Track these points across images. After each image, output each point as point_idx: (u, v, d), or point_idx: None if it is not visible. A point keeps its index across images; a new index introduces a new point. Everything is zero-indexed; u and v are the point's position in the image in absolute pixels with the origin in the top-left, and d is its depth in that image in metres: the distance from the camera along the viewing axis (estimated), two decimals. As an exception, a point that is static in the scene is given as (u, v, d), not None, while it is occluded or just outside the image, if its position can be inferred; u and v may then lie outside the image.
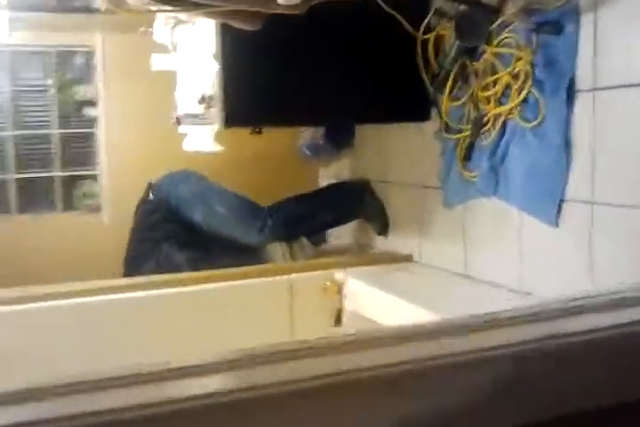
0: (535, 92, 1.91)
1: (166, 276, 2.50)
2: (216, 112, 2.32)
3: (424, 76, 2.33)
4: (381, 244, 2.84)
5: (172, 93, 2.75)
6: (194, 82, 2.48)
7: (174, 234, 2.76)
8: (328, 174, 3.38)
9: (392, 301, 2.18)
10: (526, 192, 1.95)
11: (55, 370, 2.08)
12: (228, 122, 2.29)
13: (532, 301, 1.54)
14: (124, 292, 2.38)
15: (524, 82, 1.92)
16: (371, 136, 2.89)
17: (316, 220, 2.81)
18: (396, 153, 2.74)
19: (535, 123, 1.91)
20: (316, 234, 2.88)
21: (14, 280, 3.12)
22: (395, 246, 2.74)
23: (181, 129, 2.53)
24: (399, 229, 2.74)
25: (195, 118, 2.41)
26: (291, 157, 3.28)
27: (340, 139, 3.07)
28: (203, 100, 2.34)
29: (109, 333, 2.29)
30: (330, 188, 2.99)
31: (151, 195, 2.86)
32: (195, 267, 2.59)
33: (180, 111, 2.52)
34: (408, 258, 2.62)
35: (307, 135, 3.15)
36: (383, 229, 2.79)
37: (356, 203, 2.84)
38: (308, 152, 3.22)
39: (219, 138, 2.50)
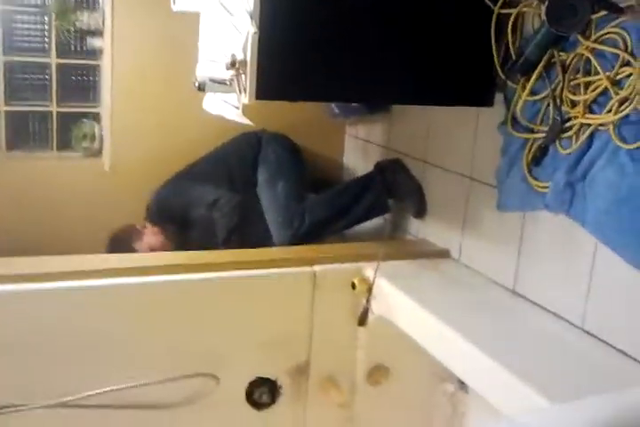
0: (643, 110, 1.59)
1: (186, 258, 2.29)
2: (247, 81, 1.98)
3: (495, 57, 1.98)
4: (416, 229, 2.58)
5: (189, 34, 2.39)
6: (222, 38, 2.12)
7: (239, 182, 2.74)
8: (354, 134, 3.06)
9: (425, 316, 1.94)
10: (611, 223, 1.67)
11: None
12: (260, 94, 1.96)
13: None
14: (133, 275, 2.13)
15: (631, 95, 1.59)
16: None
17: (351, 215, 2.55)
18: (441, 132, 2.43)
19: (635, 146, 1.60)
20: (349, 228, 2.61)
21: (8, 231, 2.87)
22: (430, 235, 2.49)
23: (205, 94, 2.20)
24: (436, 217, 2.47)
25: (221, 85, 2.06)
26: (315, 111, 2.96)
27: (376, 102, 2.74)
28: (232, 65, 1.98)
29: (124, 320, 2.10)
30: (361, 180, 2.68)
31: (263, 137, 2.83)
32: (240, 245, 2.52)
33: (203, 73, 2.16)
34: (445, 253, 2.37)
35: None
36: (419, 210, 2.52)
37: (389, 184, 2.55)
38: (336, 110, 2.89)
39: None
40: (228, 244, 2.60)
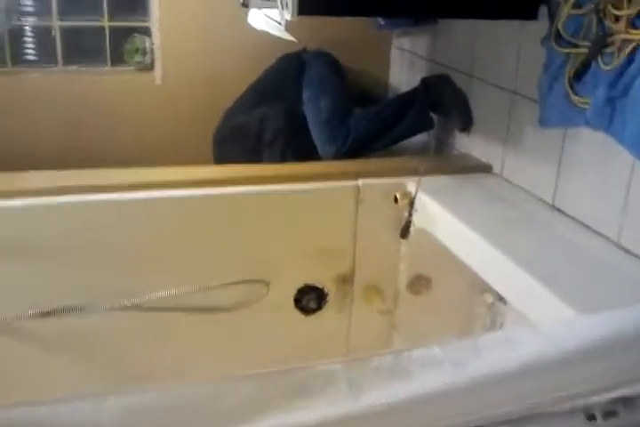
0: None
1: (235, 171, 2.37)
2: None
3: (540, -31, 1.94)
4: (459, 144, 2.61)
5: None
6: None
7: (288, 103, 2.73)
8: (400, 46, 3.05)
9: (464, 229, 2.00)
10: (649, 140, 1.68)
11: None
12: (302, 9, 1.96)
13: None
14: (185, 188, 2.24)
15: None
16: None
17: (395, 131, 2.57)
18: (487, 46, 2.41)
19: (677, 62, 1.59)
20: (394, 144, 2.65)
21: (63, 140, 3.01)
22: (474, 150, 2.51)
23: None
24: (480, 132, 2.49)
25: (264, 1, 2.08)
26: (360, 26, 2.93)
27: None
28: (275, -21, 2.00)
29: (181, 230, 2.22)
30: (406, 95, 2.68)
31: (305, 57, 2.84)
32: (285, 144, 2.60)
33: (247, -12, 2.18)
34: (488, 168, 2.40)
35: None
36: (466, 124, 2.53)
37: (435, 99, 2.56)
38: (381, 22, 2.87)
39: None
40: (272, 145, 2.66)
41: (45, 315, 2.02)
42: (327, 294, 2.44)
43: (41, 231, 2.09)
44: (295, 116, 2.70)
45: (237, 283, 2.18)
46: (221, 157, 2.81)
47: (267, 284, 2.24)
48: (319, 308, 2.45)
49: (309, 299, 2.43)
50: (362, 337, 2.49)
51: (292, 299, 2.42)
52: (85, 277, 2.14)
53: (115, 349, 2.26)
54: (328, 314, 2.46)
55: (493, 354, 1.17)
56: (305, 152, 2.55)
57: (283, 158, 2.61)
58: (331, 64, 2.81)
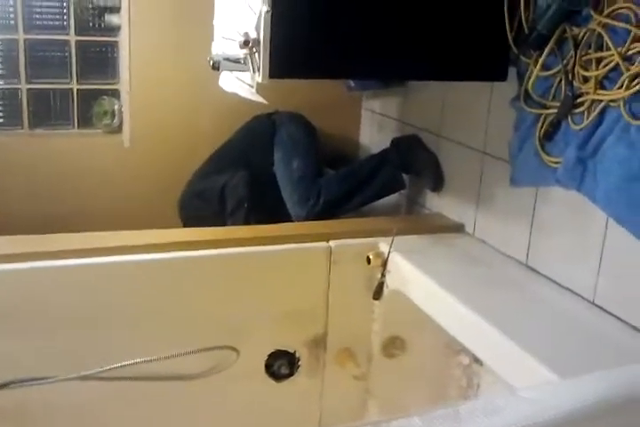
0: (654, 85, 1.58)
1: (206, 234, 2.31)
2: (260, 60, 1.99)
3: (508, 32, 1.97)
4: (431, 204, 2.60)
5: (205, 10, 2.39)
6: (236, 16, 2.13)
7: (256, 166, 2.73)
8: (371, 108, 3.07)
9: (437, 290, 1.97)
10: (622, 199, 1.67)
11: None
12: (273, 73, 1.97)
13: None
14: (152, 252, 2.17)
15: (642, 71, 1.59)
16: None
17: (366, 192, 2.56)
18: (456, 107, 2.43)
19: (646, 122, 1.60)
20: (365, 205, 2.64)
21: (31, 204, 2.94)
22: (446, 210, 2.50)
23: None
24: (451, 192, 2.49)
25: (235, 64, 2.08)
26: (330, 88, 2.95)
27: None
28: (245, 44, 2.00)
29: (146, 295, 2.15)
30: (377, 156, 2.69)
31: (276, 119, 2.82)
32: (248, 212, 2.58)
33: (218, 51, 2.18)
34: (460, 228, 2.39)
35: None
36: (437, 184, 2.53)
37: (405, 160, 2.57)
38: (352, 84, 2.90)
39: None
40: (235, 215, 2.62)
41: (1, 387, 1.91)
42: (299, 359, 2.37)
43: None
44: (258, 183, 2.68)
45: (205, 350, 2.10)
46: (186, 222, 2.77)
47: (236, 350, 2.16)
48: (291, 373, 2.37)
49: (281, 364, 2.35)
50: (336, 403, 2.41)
51: (263, 365, 2.34)
52: (45, 346, 2.04)
53: (77, 421, 2.14)
54: (300, 380, 2.38)
55: (475, 423, 1.12)
56: (268, 220, 2.50)
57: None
58: (303, 125, 2.81)
